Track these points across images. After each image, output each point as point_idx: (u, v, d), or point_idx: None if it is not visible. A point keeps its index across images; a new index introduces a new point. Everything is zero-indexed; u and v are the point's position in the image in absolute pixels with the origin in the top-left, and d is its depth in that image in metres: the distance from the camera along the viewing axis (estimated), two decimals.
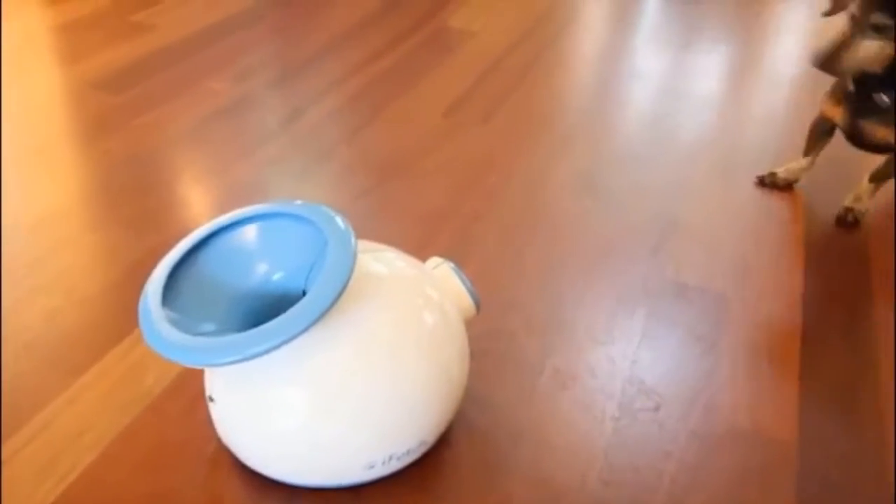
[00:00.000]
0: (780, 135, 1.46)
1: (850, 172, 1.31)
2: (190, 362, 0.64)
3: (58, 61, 1.67)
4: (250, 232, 0.73)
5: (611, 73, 1.72)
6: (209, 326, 0.69)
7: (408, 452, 0.73)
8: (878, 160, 1.20)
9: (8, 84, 1.55)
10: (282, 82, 1.59)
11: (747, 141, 1.44)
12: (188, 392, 0.84)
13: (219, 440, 0.77)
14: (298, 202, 0.74)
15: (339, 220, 0.71)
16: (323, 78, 1.61)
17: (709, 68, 1.77)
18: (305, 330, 0.62)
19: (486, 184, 1.26)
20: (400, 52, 1.74)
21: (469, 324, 0.82)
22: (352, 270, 0.66)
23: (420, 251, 1.05)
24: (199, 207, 1.21)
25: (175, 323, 0.66)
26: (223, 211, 0.75)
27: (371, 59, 1.70)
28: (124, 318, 0.94)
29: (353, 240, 0.69)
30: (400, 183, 1.26)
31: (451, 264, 0.81)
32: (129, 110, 1.45)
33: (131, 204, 1.18)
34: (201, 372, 0.81)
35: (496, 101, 1.53)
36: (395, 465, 0.73)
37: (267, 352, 0.61)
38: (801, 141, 1.27)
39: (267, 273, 0.74)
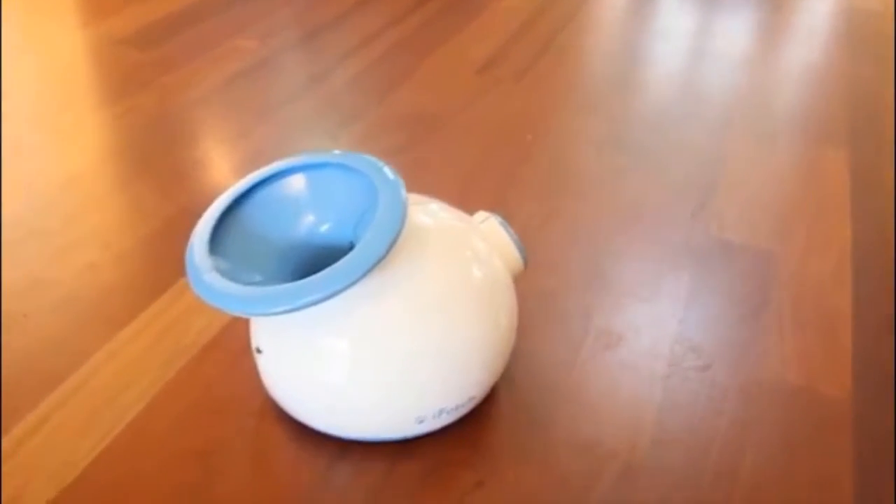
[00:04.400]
0: (815, 93, 1.43)
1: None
2: (241, 311, 0.62)
3: (83, 16, 1.65)
4: (297, 182, 0.72)
5: (639, 33, 1.68)
6: (255, 277, 0.68)
7: (457, 407, 0.72)
8: None
9: (33, 40, 1.53)
10: (308, 42, 1.57)
11: (783, 100, 1.41)
12: (231, 346, 0.83)
13: (265, 393, 0.76)
14: (345, 152, 0.72)
15: (387, 169, 0.69)
16: (350, 38, 1.58)
17: (739, 27, 1.73)
18: (358, 281, 0.61)
19: (521, 142, 1.24)
20: (428, 11, 1.71)
21: None
22: (404, 220, 0.64)
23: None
24: (228, 166, 1.19)
25: (223, 272, 0.64)
26: (250, 170, 0.72)
27: (399, 19, 1.67)
28: (161, 272, 0.92)
29: (402, 190, 0.67)
30: (432, 141, 1.24)
31: (499, 218, 0.79)
32: (157, 67, 1.43)
33: (160, 161, 1.17)
34: (243, 325, 0.80)
35: (528, 61, 1.50)
36: (444, 420, 0.72)
37: (320, 301, 0.60)
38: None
39: (314, 224, 0.72)
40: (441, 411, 0.71)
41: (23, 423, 0.75)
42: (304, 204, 0.72)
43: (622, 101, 1.38)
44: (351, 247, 0.71)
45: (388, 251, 0.62)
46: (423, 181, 1.17)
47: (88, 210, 1.06)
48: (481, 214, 0.80)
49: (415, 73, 1.44)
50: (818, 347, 0.87)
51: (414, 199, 0.77)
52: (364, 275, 0.61)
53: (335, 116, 1.32)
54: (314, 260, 0.69)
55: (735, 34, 1.70)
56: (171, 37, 1.54)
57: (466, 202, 0.81)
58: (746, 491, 0.71)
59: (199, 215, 0.69)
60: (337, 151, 0.73)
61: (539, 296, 0.93)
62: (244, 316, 0.71)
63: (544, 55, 1.53)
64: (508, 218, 0.80)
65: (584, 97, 1.39)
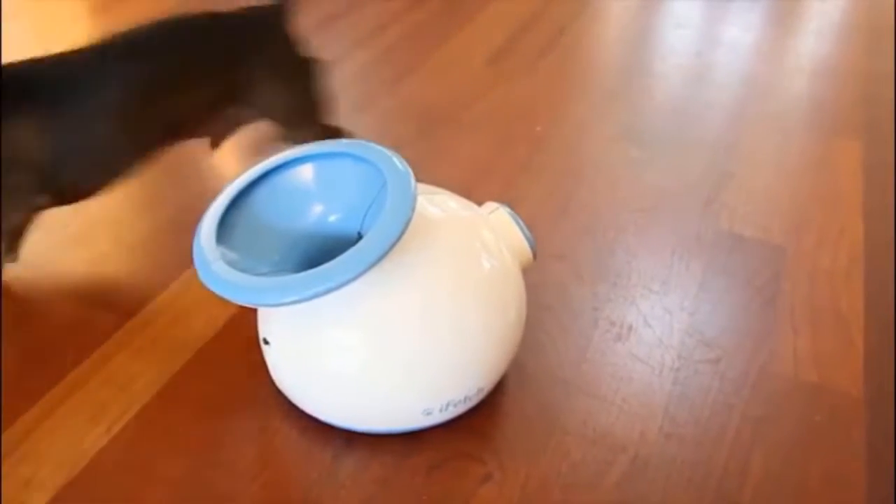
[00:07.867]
0: (829, 86, 1.41)
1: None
2: (250, 302, 0.62)
3: (93, 4, 1.64)
4: (306, 171, 0.71)
5: (654, 23, 1.67)
6: (263, 267, 0.68)
7: (465, 399, 0.72)
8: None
9: (43, 29, 1.53)
10: (318, 30, 1.56)
11: (798, 92, 1.40)
12: (239, 336, 0.83)
13: (272, 384, 0.76)
14: (355, 141, 0.71)
15: (396, 160, 0.69)
16: (361, 27, 1.58)
17: (754, 18, 1.71)
18: (367, 270, 0.60)
19: (532, 133, 1.23)
20: (438, 1, 1.69)
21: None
22: (412, 211, 0.63)
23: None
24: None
25: (230, 262, 0.64)
26: (258, 159, 0.72)
27: (409, 8, 1.66)
28: (171, 263, 0.92)
29: (412, 180, 0.66)
30: (443, 132, 1.23)
31: (508, 209, 0.79)
32: None
33: (170, 152, 1.16)
34: (251, 316, 0.80)
35: (539, 51, 1.49)
36: (452, 412, 0.72)
37: (328, 292, 0.59)
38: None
39: (322, 214, 0.71)
40: (449, 403, 0.70)
41: (32, 411, 0.75)
42: (312, 194, 0.71)
43: (635, 93, 1.37)
44: (359, 237, 0.71)
45: (395, 243, 0.61)
46: (432, 172, 1.17)
47: (98, 201, 1.05)
48: (490, 205, 0.79)
49: (425, 64, 1.44)
50: (830, 344, 0.86)
51: (422, 189, 0.77)
52: (372, 265, 0.60)
53: (344, 106, 1.31)
54: (322, 250, 0.69)
55: (750, 24, 1.68)
56: None
57: (476, 193, 0.80)
58: (757, 486, 0.71)
59: (207, 205, 0.68)
60: (346, 141, 0.72)
61: (549, 287, 0.92)
62: (253, 306, 0.71)
63: (555, 46, 1.52)
64: (518, 209, 0.80)
65: (595, 88, 1.38)
